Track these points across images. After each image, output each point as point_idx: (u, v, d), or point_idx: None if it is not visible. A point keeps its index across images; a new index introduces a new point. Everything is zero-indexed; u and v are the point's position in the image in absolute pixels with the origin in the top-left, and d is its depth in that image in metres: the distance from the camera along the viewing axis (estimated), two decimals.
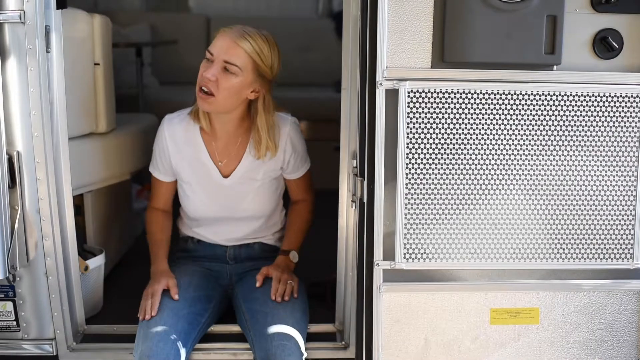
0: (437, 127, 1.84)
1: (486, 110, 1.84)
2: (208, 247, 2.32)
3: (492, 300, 1.96)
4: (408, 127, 1.83)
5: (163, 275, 2.17)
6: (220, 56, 2.02)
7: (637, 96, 1.86)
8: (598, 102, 1.86)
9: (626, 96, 1.86)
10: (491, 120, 1.84)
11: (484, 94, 1.83)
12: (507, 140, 1.86)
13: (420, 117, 1.83)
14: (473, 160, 1.86)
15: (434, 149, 1.84)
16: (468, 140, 1.85)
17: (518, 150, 1.86)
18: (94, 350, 2.15)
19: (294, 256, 2.27)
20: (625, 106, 1.87)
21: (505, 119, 1.85)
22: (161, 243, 2.29)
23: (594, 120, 1.87)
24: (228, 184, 2.19)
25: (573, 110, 1.86)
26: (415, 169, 1.85)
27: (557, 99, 1.85)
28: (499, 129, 1.85)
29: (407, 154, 1.84)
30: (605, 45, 1.86)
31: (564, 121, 1.86)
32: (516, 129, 1.85)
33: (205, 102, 2.06)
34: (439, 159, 1.85)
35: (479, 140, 1.85)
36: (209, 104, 2.06)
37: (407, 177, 1.85)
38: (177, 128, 2.19)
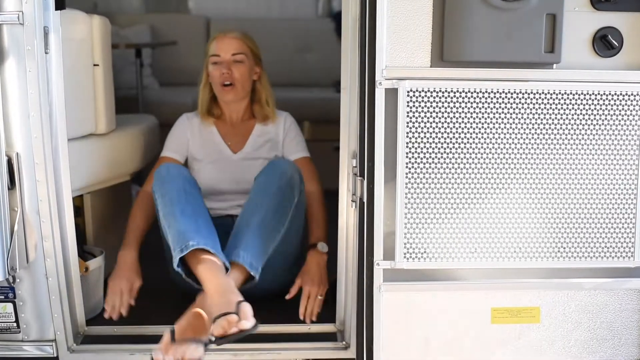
0: (436, 126, 1.83)
1: (486, 109, 1.83)
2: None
3: (493, 300, 1.96)
4: (407, 126, 1.82)
5: (131, 270, 2.32)
6: (228, 53, 2.46)
7: (637, 94, 1.86)
8: (598, 100, 1.85)
9: (626, 94, 1.86)
10: (491, 119, 1.84)
11: (483, 93, 1.83)
12: (507, 139, 1.85)
13: (419, 116, 1.82)
14: (473, 159, 1.85)
15: (433, 148, 1.84)
16: (468, 139, 1.84)
17: (518, 149, 1.86)
18: (94, 351, 2.15)
19: (322, 247, 2.36)
20: (626, 104, 1.86)
21: (505, 117, 1.84)
22: (139, 230, 2.41)
23: (594, 118, 1.86)
24: (236, 159, 2.53)
25: (573, 108, 1.85)
26: (415, 168, 1.84)
27: (557, 98, 1.85)
28: (499, 127, 1.85)
29: (407, 153, 1.83)
30: (605, 43, 1.86)
31: (564, 119, 1.86)
32: (516, 127, 1.85)
33: (229, 93, 2.47)
34: (438, 158, 1.85)
35: (479, 139, 1.85)
36: (233, 94, 2.48)
37: (407, 177, 1.84)
38: (195, 121, 2.58)
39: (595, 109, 1.86)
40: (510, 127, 1.85)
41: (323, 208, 2.46)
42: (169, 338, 1.98)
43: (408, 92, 1.81)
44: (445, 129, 1.83)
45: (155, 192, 2.26)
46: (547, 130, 1.86)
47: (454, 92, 1.82)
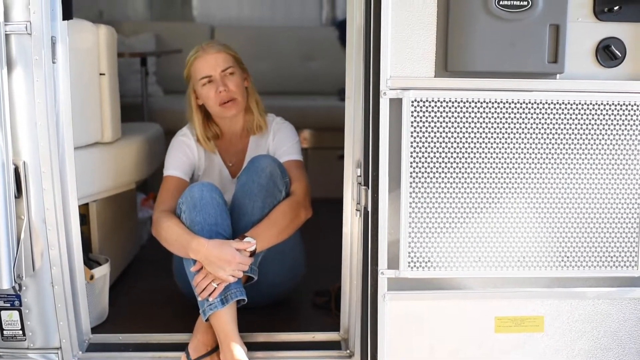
0: (440, 136, 1.84)
1: (489, 118, 1.84)
2: None
3: (497, 309, 1.96)
4: (412, 135, 1.83)
5: (223, 244, 2.08)
6: (217, 70, 2.35)
7: None
8: (601, 110, 1.86)
9: (629, 104, 1.86)
10: (494, 128, 1.85)
11: (487, 103, 1.84)
12: (510, 149, 1.86)
13: (423, 125, 1.83)
14: (477, 168, 1.86)
15: (437, 158, 1.85)
16: (472, 148, 1.85)
17: (521, 159, 1.87)
18: (99, 359, 2.16)
19: (248, 240, 2.14)
20: (629, 114, 1.87)
21: (509, 127, 1.85)
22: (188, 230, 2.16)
23: (597, 128, 1.87)
24: (235, 181, 2.38)
25: (576, 118, 1.86)
26: (419, 178, 1.85)
27: (560, 108, 1.85)
28: (502, 137, 1.85)
29: (411, 162, 1.84)
30: (608, 53, 1.87)
31: (567, 129, 1.87)
32: (519, 137, 1.86)
33: (231, 108, 2.37)
34: (442, 168, 1.85)
35: (483, 148, 1.85)
36: (236, 107, 2.37)
37: (411, 186, 1.85)
38: (196, 147, 2.46)
39: (598, 119, 1.86)
40: (514, 137, 1.86)
41: (285, 211, 2.22)
42: None
43: (412, 102, 1.82)
44: (449, 138, 1.84)
45: (183, 210, 2.16)
46: (550, 140, 1.87)
47: (458, 102, 1.83)
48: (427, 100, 1.82)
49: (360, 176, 2.01)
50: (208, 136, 2.44)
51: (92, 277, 2.27)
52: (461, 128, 1.84)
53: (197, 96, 2.42)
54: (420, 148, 1.84)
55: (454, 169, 1.86)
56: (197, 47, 2.40)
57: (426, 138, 1.84)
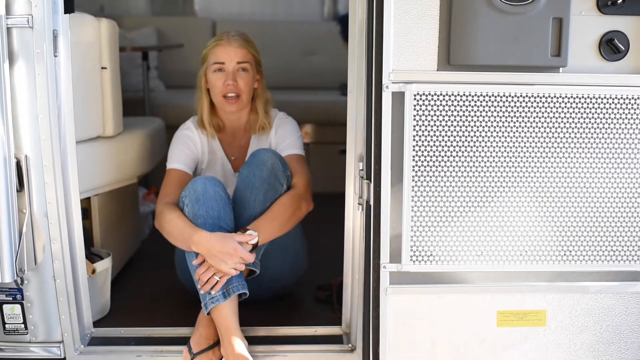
0: (443, 130, 1.84)
1: (492, 112, 1.84)
2: None
3: (499, 303, 1.96)
4: (414, 129, 1.83)
5: (225, 237, 2.08)
6: (233, 61, 2.34)
7: None
8: (604, 103, 1.86)
9: (632, 98, 1.86)
10: (497, 122, 1.85)
11: (489, 97, 1.83)
12: (513, 142, 1.86)
13: (426, 119, 1.83)
14: (479, 162, 1.86)
15: (440, 151, 1.85)
16: (474, 142, 1.85)
17: (524, 152, 1.86)
18: (101, 353, 2.16)
19: (249, 233, 2.14)
20: (632, 108, 1.86)
21: (511, 121, 1.85)
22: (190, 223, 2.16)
23: (601, 121, 1.87)
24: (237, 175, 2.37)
25: (579, 111, 1.86)
26: (422, 171, 1.85)
27: (563, 101, 1.85)
28: (505, 130, 1.85)
29: (414, 156, 1.84)
30: (611, 47, 1.87)
31: (570, 123, 1.86)
32: (522, 130, 1.85)
33: (233, 105, 2.37)
34: (445, 161, 1.85)
35: (485, 142, 1.85)
36: (238, 105, 2.38)
37: (413, 180, 1.85)
38: (198, 138, 2.47)
39: (601, 112, 1.86)
40: (516, 131, 1.85)
41: (287, 204, 2.22)
42: (188, 354, 2.10)
43: (415, 95, 1.82)
44: (452, 132, 1.84)
45: (186, 204, 2.16)
46: (553, 133, 1.86)
47: (461, 96, 1.83)
48: (429, 94, 1.82)
49: (362, 170, 2.01)
50: (212, 123, 2.44)
51: (94, 271, 2.27)
52: (464, 122, 1.84)
53: (206, 80, 2.42)
54: (422, 142, 1.84)
55: (457, 162, 1.85)
56: (222, 34, 2.39)
57: (428, 132, 1.84)
